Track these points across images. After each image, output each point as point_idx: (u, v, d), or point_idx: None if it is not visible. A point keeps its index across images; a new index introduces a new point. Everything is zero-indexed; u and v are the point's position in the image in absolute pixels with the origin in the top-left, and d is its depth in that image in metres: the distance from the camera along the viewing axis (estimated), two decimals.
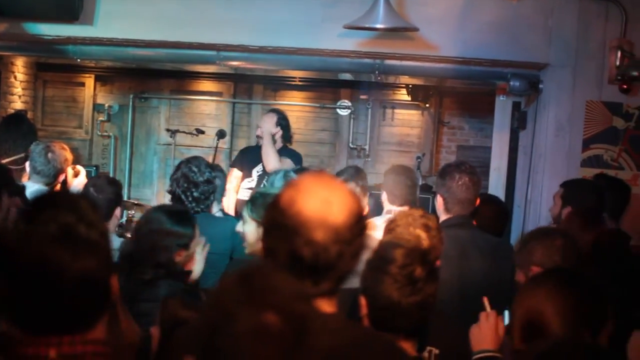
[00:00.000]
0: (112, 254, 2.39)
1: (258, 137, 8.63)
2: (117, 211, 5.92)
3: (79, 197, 2.41)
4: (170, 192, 6.29)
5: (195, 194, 6.17)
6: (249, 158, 8.65)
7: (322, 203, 2.54)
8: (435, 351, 3.47)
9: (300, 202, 2.54)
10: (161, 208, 4.88)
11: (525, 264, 4.03)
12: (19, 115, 10.41)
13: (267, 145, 8.32)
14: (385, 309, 3.27)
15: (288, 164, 8.17)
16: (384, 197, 6.60)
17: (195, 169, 6.23)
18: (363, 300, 3.31)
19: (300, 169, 7.14)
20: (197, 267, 4.75)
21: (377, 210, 6.86)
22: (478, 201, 5.52)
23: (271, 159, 8.19)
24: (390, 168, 7.05)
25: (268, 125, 8.47)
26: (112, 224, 5.88)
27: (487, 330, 3.68)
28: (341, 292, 2.68)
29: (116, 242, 5.49)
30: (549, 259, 3.96)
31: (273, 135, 8.42)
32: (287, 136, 8.67)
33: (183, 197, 6.15)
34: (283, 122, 8.67)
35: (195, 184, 6.15)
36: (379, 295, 3.28)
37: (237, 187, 8.50)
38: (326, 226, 2.51)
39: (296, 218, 2.52)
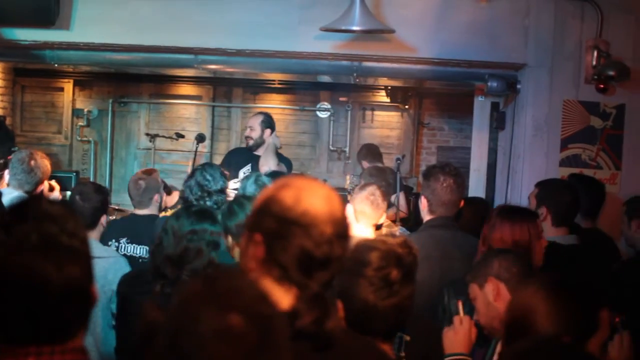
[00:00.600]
0: (92, 262, 2.37)
1: (248, 137, 8.70)
2: (103, 219, 5.87)
3: (58, 204, 2.39)
4: (182, 198, 6.24)
5: (208, 203, 6.14)
6: (236, 159, 8.74)
7: (326, 199, 2.59)
8: (407, 337, 3.45)
9: (306, 200, 2.56)
10: (187, 210, 4.79)
11: (483, 277, 4.02)
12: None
13: (269, 150, 8.44)
14: (362, 311, 3.25)
15: (282, 169, 8.24)
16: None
17: (209, 178, 6.21)
18: (339, 304, 3.30)
19: (273, 174, 7.12)
20: None
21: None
22: (462, 203, 5.53)
23: (270, 163, 8.22)
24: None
25: (257, 130, 8.63)
26: (97, 232, 5.82)
27: (461, 334, 3.71)
28: None
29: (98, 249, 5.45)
30: (506, 270, 3.96)
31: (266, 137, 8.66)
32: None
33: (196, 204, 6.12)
34: (273, 123, 8.87)
35: (209, 192, 6.14)
36: (355, 298, 3.25)
37: None
38: (333, 221, 2.56)
39: (305, 216, 2.54)
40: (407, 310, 3.36)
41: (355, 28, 7.05)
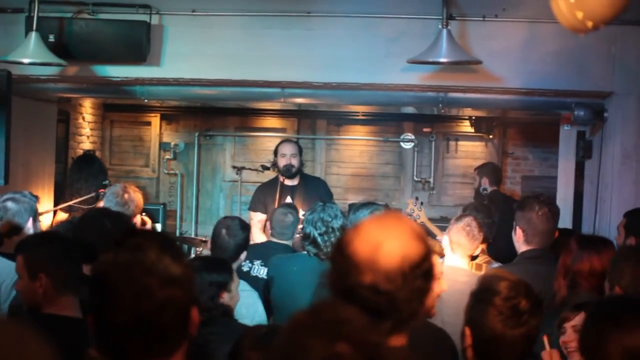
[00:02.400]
0: (194, 288, 2.50)
1: (290, 166, 8.76)
2: (243, 255, 6.05)
3: (166, 234, 2.53)
4: (303, 234, 6.34)
5: (332, 239, 6.22)
6: (271, 197, 8.68)
7: (373, 246, 2.57)
8: None
9: (354, 244, 2.59)
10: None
11: (614, 280, 4.03)
12: (90, 155, 10.61)
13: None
14: (490, 340, 3.30)
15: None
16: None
17: (332, 214, 6.30)
18: (467, 331, 3.34)
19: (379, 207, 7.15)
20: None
21: None
22: (557, 233, 5.51)
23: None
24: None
25: (298, 159, 8.89)
26: (235, 265, 5.92)
27: None
28: (423, 327, 2.71)
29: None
30: (635, 283, 3.96)
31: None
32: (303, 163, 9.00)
33: (319, 240, 6.24)
34: (301, 149, 9.09)
35: (333, 229, 6.22)
36: (484, 327, 3.30)
37: (263, 229, 8.60)
38: (375, 270, 2.54)
39: (349, 259, 2.57)
40: (534, 339, 3.39)
41: (442, 60, 7.10)
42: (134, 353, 2.35)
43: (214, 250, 6.14)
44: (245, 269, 6.72)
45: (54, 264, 4.26)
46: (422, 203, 8.50)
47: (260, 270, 6.76)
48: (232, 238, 5.93)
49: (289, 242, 7.08)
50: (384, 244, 2.57)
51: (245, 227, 6.07)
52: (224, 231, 5.98)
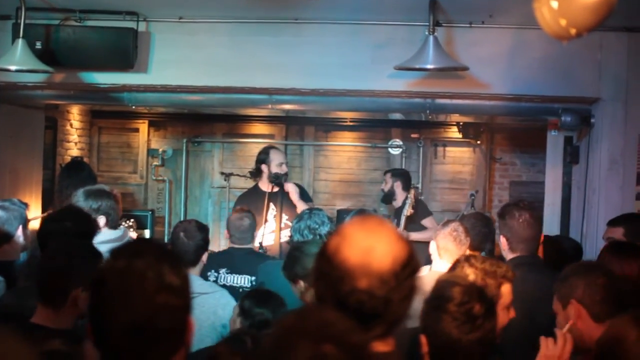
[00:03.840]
0: (191, 297, 2.52)
1: (284, 174, 8.69)
2: (204, 256, 6.00)
3: (164, 244, 2.57)
4: (292, 241, 6.35)
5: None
6: (254, 206, 8.37)
7: (364, 251, 2.59)
8: None
9: (344, 251, 2.61)
10: None
11: (566, 297, 4.04)
12: (79, 162, 10.60)
13: (295, 196, 8.51)
14: (446, 346, 3.29)
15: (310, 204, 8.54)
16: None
17: (319, 221, 6.30)
18: (423, 339, 3.34)
19: (358, 211, 7.18)
20: None
21: None
22: (542, 238, 5.51)
23: (301, 205, 8.28)
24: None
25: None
26: (198, 268, 5.94)
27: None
28: (400, 331, 2.72)
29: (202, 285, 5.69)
30: (589, 297, 3.97)
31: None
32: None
33: None
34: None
35: (320, 236, 6.20)
36: (439, 333, 3.30)
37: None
38: (370, 274, 2.57)
39: (341, 267, 2.59)
40: (491, 343, 3.39)
41: (429, 66, 7.12)
42: (131, 358, 2.38)
43: None
44: (211, 278, 6.72)
45: None
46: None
47: (227, 278, 6.77)
48: (190, 240, 5.89)
49: (250, 246, 7.14)
50: (375, 248, 2.60)
51: (203, 229, 6.02)
52: (182, 234, 5.95)
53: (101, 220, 6.20)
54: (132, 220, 9.95)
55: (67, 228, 5.19)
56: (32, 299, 4.20)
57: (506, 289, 4.03)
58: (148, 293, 2.36)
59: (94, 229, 5.56)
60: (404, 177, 10.15)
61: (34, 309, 4.13)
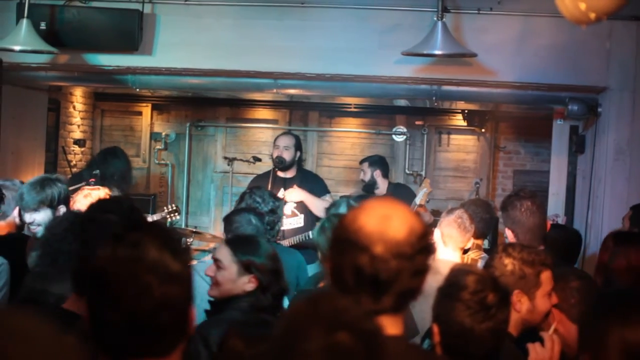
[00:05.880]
0: (193, 286, 2.45)
1: (280, 158, 8.68)
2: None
3: (169, 229, 2.49)
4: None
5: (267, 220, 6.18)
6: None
7: (381, 219, 2.63)
8: None
9: (362, 219, 2.64)
10: None
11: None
12: (115, 148, 10.57)
13: (304, 198, 8.52)
14: (458, 335, 3.27)
15: (328, 198, 8.47)
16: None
17: (259, 199, 6.28)
18: (436, 328, 3.32)
19: (360, 197, 7.16)
20: None
21: None
22: (549, 226, 5.48)
23: (319, 206, 8.26)
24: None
25: (292, 151, 8.73)
26: None
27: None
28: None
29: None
30: (565, 301, 3.97)
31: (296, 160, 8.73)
32: (301, 158, 8.98)
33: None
34: (299, 144, 8.95)
35: (261, 214, 6.15)
36: (452, 322, 3.28)
37: None
38: (386, 240, 2.59)
39: (358, 233, 2.61)
40: (504, 333, 3.37)
41: (437, 52, 7.08)
42: (131, 351, 2.31)
43: None
44: None
45: None
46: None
47: None
48: None
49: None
50: (392, 216, 2.63)
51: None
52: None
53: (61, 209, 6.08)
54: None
55: (110, 220, 5.15)
56: (54, 284, 4.14)
57: (546, 276, 3.98)
58: (151, 286, 2.27)
59: (139, 220, 5.52)
60: (381, 164, 10.03)
61: (56, 295, 4.07)
